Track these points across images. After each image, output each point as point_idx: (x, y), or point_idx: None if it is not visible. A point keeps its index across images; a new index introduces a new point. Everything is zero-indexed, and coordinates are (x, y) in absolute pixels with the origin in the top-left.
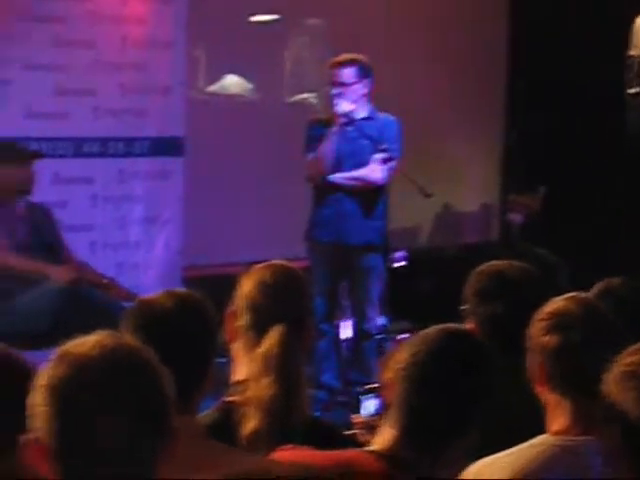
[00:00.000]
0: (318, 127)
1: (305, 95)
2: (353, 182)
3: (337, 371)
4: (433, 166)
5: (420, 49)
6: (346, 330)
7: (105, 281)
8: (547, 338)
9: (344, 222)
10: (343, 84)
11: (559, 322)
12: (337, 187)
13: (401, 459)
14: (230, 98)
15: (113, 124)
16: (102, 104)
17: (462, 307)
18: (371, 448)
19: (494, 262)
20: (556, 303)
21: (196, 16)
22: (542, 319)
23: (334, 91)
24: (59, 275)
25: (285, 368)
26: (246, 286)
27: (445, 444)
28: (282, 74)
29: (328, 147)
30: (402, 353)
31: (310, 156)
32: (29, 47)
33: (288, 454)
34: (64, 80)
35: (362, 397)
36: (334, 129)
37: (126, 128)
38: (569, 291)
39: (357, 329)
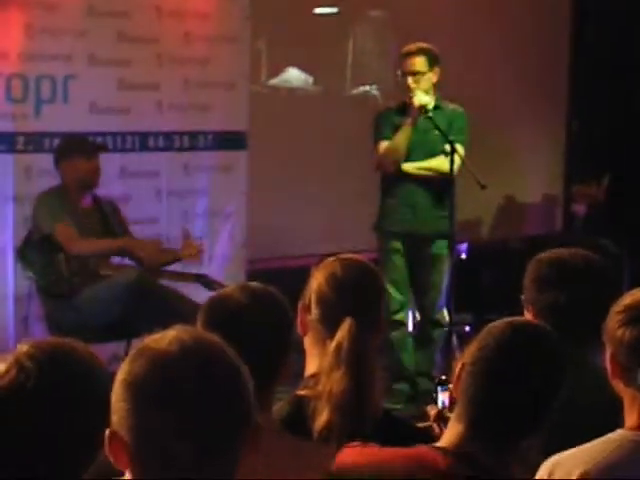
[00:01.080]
0: (389, 116)
1: (367, 87)
2: (425, 172)
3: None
4: (495, 157)
5: (483, 38)
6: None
7: (179, 254)
8: (622, 331)
9: (415, 212)
10: (417, 73)
11: (635, 315)
12: (408, 177)
13: (468, 455)
14: (292, 91)
15: (177, 118)
16: (166, 99)
17: (522, 296)
18: (438, 444)
19: (555, 250)
20: (633, 295)
21: (258, 10)
22: (619, 311)
23: (408, 80)
24: (144, 250)
25: (356, 362)
26: (316, 279)
27: (515, 441)
28: (344, 67)
29: (403, 136)
30: (470, 347)
31: (383, 145)
32: (93, 42)
33: (355, 452)
34: (128, 75)
35: (438, 388)
36: (409, 119)
37: (190, 122)
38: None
39: (425, 319)
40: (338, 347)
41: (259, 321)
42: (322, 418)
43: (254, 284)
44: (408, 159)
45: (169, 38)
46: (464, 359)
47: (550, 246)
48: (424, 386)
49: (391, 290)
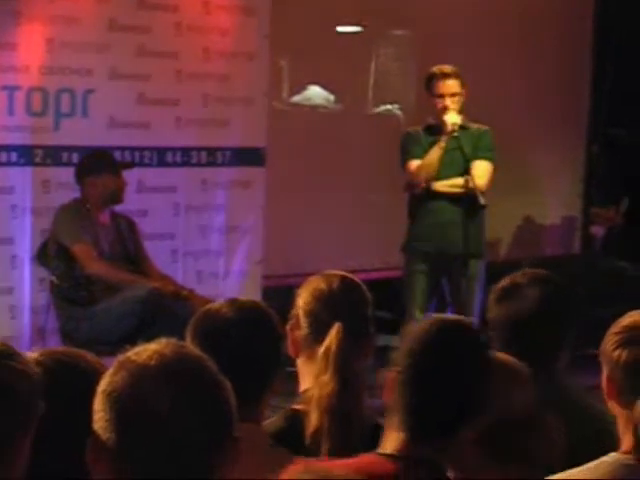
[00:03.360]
0: (418, 136)
1: (388, 106)
2: (457, 190)
3: None
4: (515, 178)
5: (504, 60)
6: None
7: (185, 292)
8: (619, 352)
9: (446, 231)
10: (454, 94)
11: (631, 336)
12: (437, 196)
13: (414, 459)
14: (313, 109)
15: (195, 134)
16: (185, 114)
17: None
18: (384, 451)
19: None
20: (632, 317)
21: (280, 27)
22: (616, 332)
23: (446, 101)
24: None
25: (344, 365)
26: (302, 296)
27: (454, 436)
28: (366, 85)
29: (436, 155)
30: (396, 355)
31: (414, 163)
32: (113, 57)
33: (300, 469)
34: (147, 90)
35: None
36: (443, 138)
37: (208, 138)
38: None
39: None
40: (327, 351)
41: (247, 335)
42: (312, 423)
43: (244, 299)
44: (436, 178)
45: (188, 54)
46: (393, 368)
47: (568, 267)
48: None
49: (414, 310)
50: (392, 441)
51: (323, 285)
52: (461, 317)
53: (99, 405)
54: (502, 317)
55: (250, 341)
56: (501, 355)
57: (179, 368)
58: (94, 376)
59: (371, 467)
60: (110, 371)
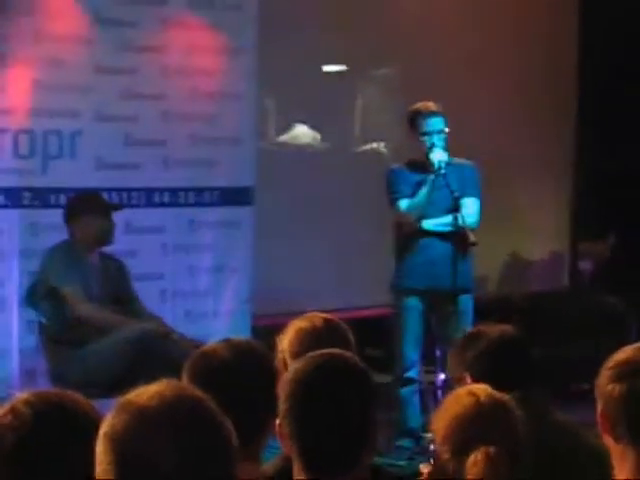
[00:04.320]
0: (404, 173)
1: (375, 144)
2: (448, 227)
3: (422, 419)
4: (501, 213)
5: (489, 96)
6: (440, 376)
7: (175, 337)
8: (612, 386)
9: (436, 268)
10: (440, 132)
11: (625, 370)
12: (427, 233)
13: None
14: (300, 148)
15: (183, 174)
16: (172, 154)
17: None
18: None
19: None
20: (625, 352)
21: (266, 67)
22: (610, 367)
23: (432, 139)
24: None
25: None
26: (286, 339)
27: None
28: (352, 123)
29: (425, 194)
30: (280, 405)
31: (403, 203)
32: (99, 98)
33: None
34: (134, 131)
35: (431, 446)
36: (432, 176)
37: (196, 178)
38: None
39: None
40: None
41: (244, 375)
42: None
43: (239, 339)
44: (425, 217)
45: (175, 94)
46: (279, 419)
47: (556, 303)
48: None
49: (404, 348)
50: None
51: (306, 324)
52: (338, 351)
53: (100, 447)
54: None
55: (248, 381)
56: (481, 388)
57: (180, 409)
58: (84, 418)
59: None
60: (111, 413)
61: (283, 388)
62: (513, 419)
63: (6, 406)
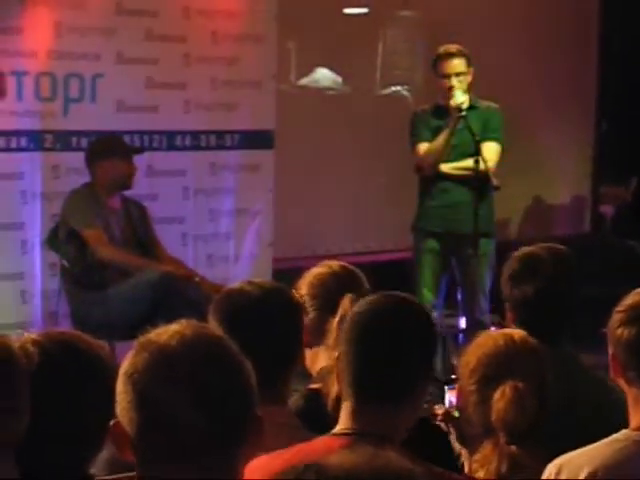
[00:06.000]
0: (426, 117)
1: (397, 87)
2: (462, 172)
3: (443, 363)
4: (523, 158)
5: (512, 39)
6: (462, 321)
7: (197, 279)
8: (622, 330)
9: (455, 212)
10: (460, 73)
11: (634, 314)
12: (446, 177)
13: (359, 435)
14: (321, 91)
15: (204, 117)
16: (193, 98)
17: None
18: (334, 430)
19: (530, 246)
20: (634, 296)
21: (287, 9)
22: (620, 311)
23: (452, 81)
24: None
25: None
26: (304, 286)
27: (398, 402)
28: (374, 66)
29: (444, 139)
30: (340, 339)
31: (422, 147)
32: (121, 41)
33: (262, 461)
34: (155, 74)
35: (446, 387)
36: (450, 124)
37: (217, 121)
38: None
39: (470, 319)
40: (341, 320)
41: (272, 312)
42: (331, 396)
43: (265, 280)
44: (445, 160)
45: (196, 37)
46: (338, 351)
47: (578, 246)
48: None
49: (424, 290)
50: (343, 418)
51: (321, 270)
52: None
53: (121, 386)
54: (517, 296)
55: (277, 316)
56: (516, 331)
57: (200, 348)
58: (92, 357)
59: (323, 448)
60: (131, 352)
61: (348, 319)
62: (542, 362)
63: (16, 346)
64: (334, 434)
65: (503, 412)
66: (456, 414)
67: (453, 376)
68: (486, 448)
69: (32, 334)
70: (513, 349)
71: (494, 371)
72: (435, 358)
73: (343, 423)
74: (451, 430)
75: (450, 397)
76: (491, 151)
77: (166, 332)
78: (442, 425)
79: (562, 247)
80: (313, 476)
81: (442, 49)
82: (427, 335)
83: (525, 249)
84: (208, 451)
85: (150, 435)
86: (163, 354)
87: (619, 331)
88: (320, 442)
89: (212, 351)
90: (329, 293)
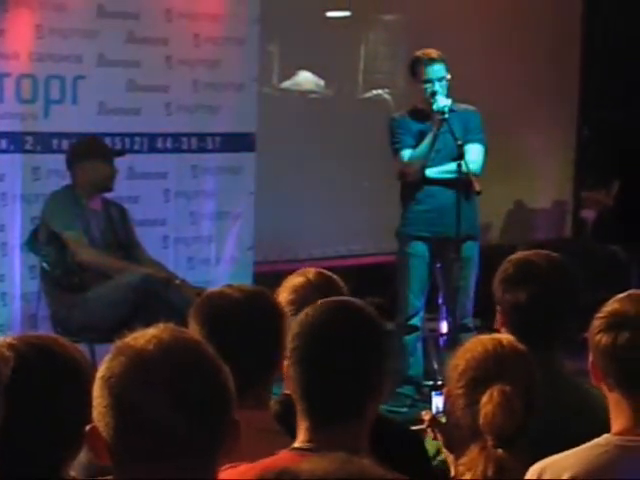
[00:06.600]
0: (406, 122)
1: (379, 91)
2: (452, 175)
3: (424, 367)
4: (505, 162)
5: (493, 42)
6: (444, 324)
7: (178, 282)
8: (600, 336)
9: (441, 215)
10: (441, 79)
11: (612, 321)
12: (431, 181)
13: (318, 449)
14: (303, 94)
15: (185, 120)
16: (175, 100)
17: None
18: (295, 445)
19: (525, 251)
20: (614, 302)
21: (270, 12)
22: (600, 317)
23: (434, 87)
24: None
25: None
26: (280, 296)
27: (343, 426)
28: (355, 70)
29: (428, 144)
30: (289, 344)
31: (405, 153)
32: (103, 43)
33: (234, 471)
34: (137, 76)
35: (433, 393)
36: (435, 125)
37: (199, 124)
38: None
39: (454, 323)
40: None
41: (254, 315)
42: None
43: (247, 284)
44: (429, 165)
45: (178, 40)
46: (286, 360)
47: (559, 251)
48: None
49: (409, 295)
50: (300, 433)
51: (301, 279)
52: (352, 299)
53: (97, 391)
54: (509, 300)
55: (257, 322)
56: (504, 336)
57: (177, 353)
58: (67, 360)
59: (283, 463)
60: (108, 356)
61: (291, 329)
62: (530, 367)
63: None
64: (295, 448)
65: (491, 415)
66: (443, 420)
67: (439, 382)
68: (473, 451)
69: (8, 338)
70: (501, 353)
71: (482, 374)
72: (386, 362)
73: (303, 437)
74: (438, 436)
75: (437, 403)
76: (475, 153)
77: (143, 336)
78: (429, 431)
79: (558, 255)
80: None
81: (422, 54)
82: (377, 340)
83: (521, 254)
84: (186, 453)
85: (127, 439)
86: (140, 358)
87: (598, 337)
88: (283, 457)
89: (189, 355)
90: (307, 302)
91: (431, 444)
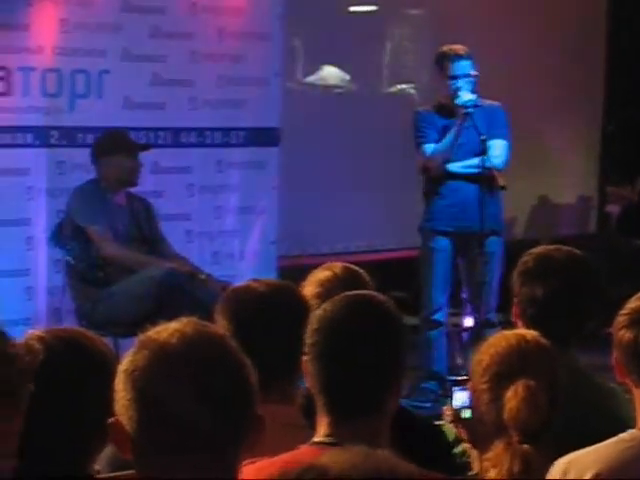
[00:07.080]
0: (431, 117)
1: (403, 86)
2: (475, 170)
3: (448, 362)
4: (530, 158)
5: (519, 39)
6: (467, 319)
7: (203, 276)
8: (623, 332)
9: (465, 210)
10: (466, 76)
11: (635, 318)
12: (454, 176)
13: (337, 444)
14: (327, 89)
15: (210, 115)
16: (199, 95)
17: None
18: (315, 439)
19: (546, 245)
20: (638, 299)
21: (294, 7)
22: (623, 314)
23: (458, 83)
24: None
25: None
26: (306, 291)
27: (364, 421)
28: (380, 65)
29: (451, 140)
30: (308, 340)
31: (428, 148)
32: (128, 38)
33: (253, 467)
34: (162, 71)
35: (454, 388)
36: (459, 120)
37: (223, 118)
38: None
39: (478, 318)
40: None
41: (278, 311)
42: None
43: (271, 279)
44: (452, 159)
45: (203, 34)
46: (305, 353)
47: (583, 246)
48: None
49: (433, 290)
50: (320, 427)
51: (327, 273)
52: (372, 292)
53: (120, 384)
54: (526, 293)
55: (284, 315)
56: (528, 331)
57: (200, 347)
58: (95, 353)
59: (303, 458)
60: (131, 350)
61: (310, 324)
62: (554, 362)
63: (20, 343)
64: (316, 443)
65: (515, 410)
66: (467, 414)
67: (461, 377)
68: (498, 447)
69: (37, 331)
70: (525, 348)
71: (506, 369)
72: (406, 356)
73: (323, 431)
74: (461, 432)
75: (459, 397)
76: (499, 148)
77: (166, 330)
78: (450, 426)
79: (580, 252)
80: (314, 476)
81: (449, 49)
82: (397, 334)
83: (542, 248)
84: (209, 447)
85: (151, 432)
86: (164, 352)
87: (621, 334)
88: (304, 451)
89: (213, 349)
90: (332, 295)
91: (450, 432)
